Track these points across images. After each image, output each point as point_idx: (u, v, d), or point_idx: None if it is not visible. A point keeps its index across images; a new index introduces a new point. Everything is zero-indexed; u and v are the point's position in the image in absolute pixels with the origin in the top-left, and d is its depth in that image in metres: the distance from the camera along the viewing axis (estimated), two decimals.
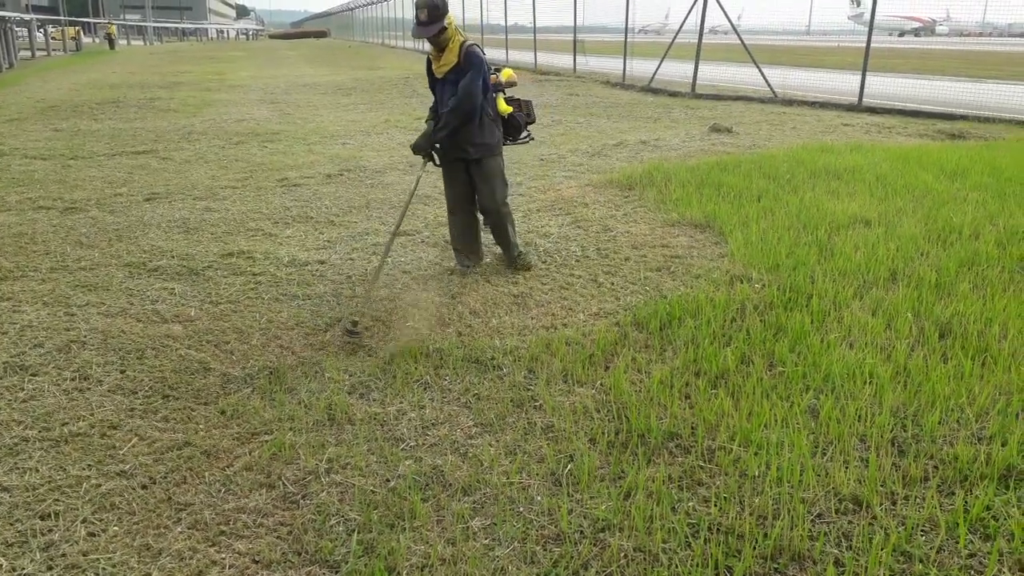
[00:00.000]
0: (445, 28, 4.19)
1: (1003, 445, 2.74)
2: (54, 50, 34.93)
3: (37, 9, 48.75)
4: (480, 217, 4.80)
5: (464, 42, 4.31)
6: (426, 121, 4.63)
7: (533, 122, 4.79)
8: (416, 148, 4.42)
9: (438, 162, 4.55)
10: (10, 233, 5.52)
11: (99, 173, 7.71)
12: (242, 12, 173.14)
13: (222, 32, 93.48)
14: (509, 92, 4.67)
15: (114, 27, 46.62)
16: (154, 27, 63.52)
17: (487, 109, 4.44)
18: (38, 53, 30.89)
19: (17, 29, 27.49)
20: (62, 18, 44.75)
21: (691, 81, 15.97)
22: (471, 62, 4.26)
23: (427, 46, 4.41)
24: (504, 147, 4.67)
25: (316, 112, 13.03)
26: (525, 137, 4.77)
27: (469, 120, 4.34)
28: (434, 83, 4.49)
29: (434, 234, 5.55)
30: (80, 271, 4.73)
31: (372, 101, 14.94)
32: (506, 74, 4.64)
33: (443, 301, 4.25)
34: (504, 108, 4.57)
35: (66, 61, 28.83)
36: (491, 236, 4.86)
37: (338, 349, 3.67)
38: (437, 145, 4.42)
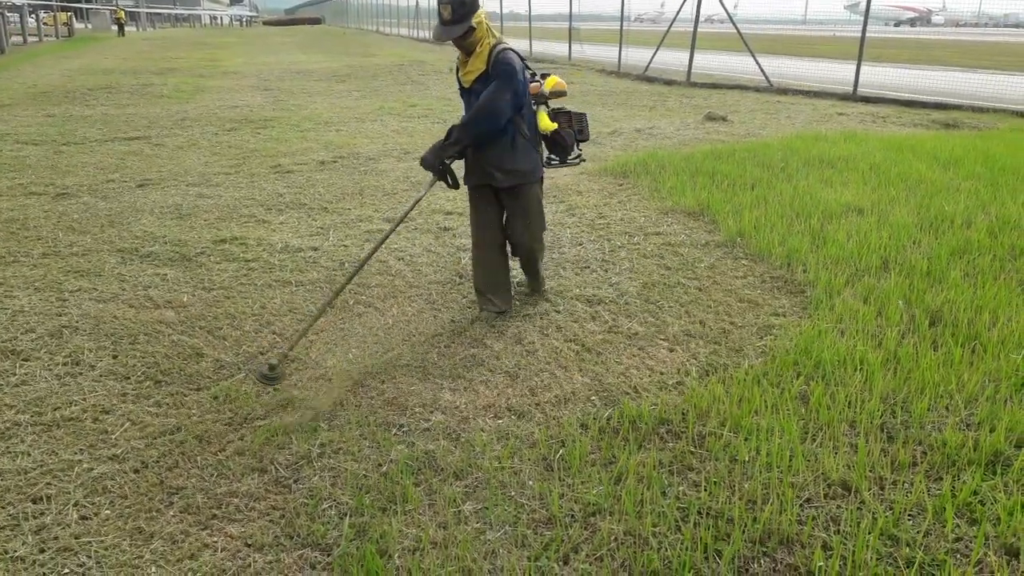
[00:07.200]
0: (473, 29, 3.40)
1: (991, 431, 2.76)
2: (46, 36, 34.63)
3: None
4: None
5: (496, 45, 3.49)
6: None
7: (585, 140, 3.93)
8: (423, 162, 3.52)
9: (451, 183, 3.59)
10: (1, 219, 5.50)
11: (91, 159, 7.67)
12: None
13: (216, 19, 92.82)
14: (555, 103, 3.87)
15: (123, 12, 44.10)
16: (147, 13, 63.01)
17: (522, 128, 3.62)
18: (30, 39, 30.62)
19: (8, 15, 27.25)
20: (54, 3, 44.29)
21: (686, 70, 15.93)
22: (498, 70, 3.43)
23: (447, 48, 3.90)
24: (550, 168, 3.94)
25: (310, 99, 12.96)
26: (575, 158, 3.92)
27: (488, 139, 3.55)
28: (462, 93, 3.73)
29: (427, 221, 5.54)
30: (72, 257, 4.72)
31: (366, 88, 14.87)
32: (551, 82, 3.76)
33: (437, 288, 4.25)
34: (547, 125, 3.74)
35: (58, 47, 28.57)
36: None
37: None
38: (449, 163, 3.54)
